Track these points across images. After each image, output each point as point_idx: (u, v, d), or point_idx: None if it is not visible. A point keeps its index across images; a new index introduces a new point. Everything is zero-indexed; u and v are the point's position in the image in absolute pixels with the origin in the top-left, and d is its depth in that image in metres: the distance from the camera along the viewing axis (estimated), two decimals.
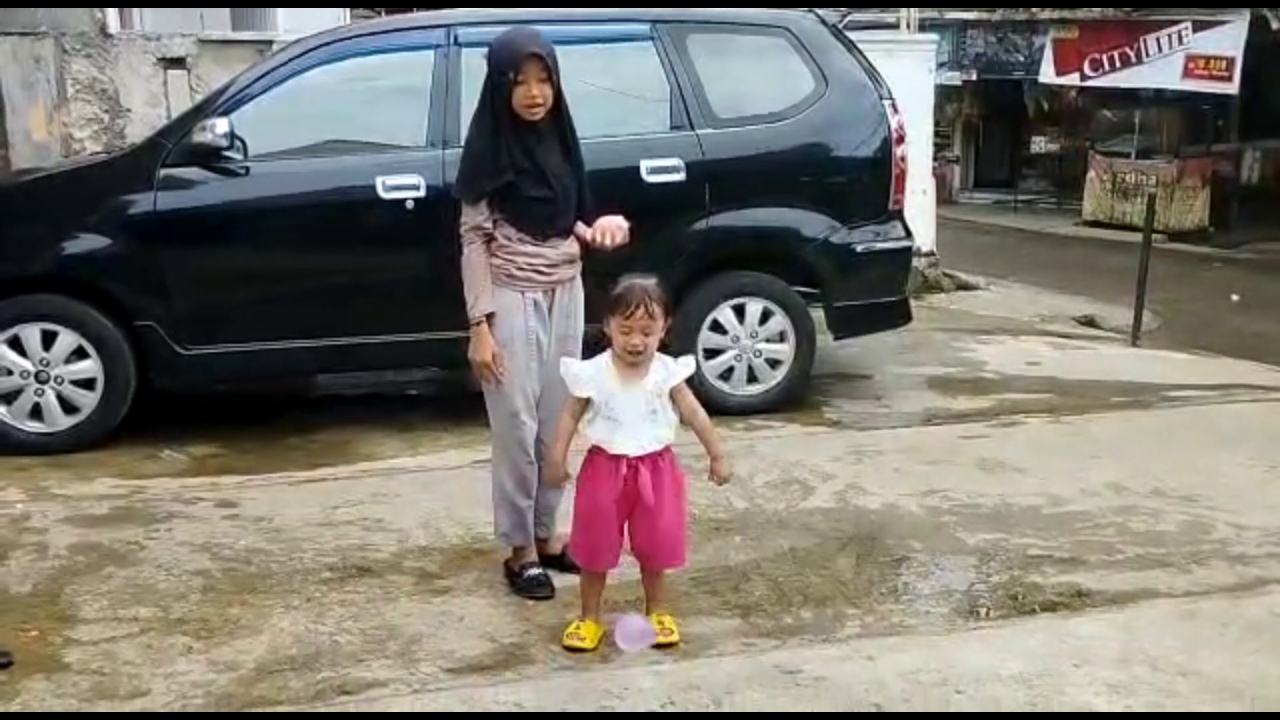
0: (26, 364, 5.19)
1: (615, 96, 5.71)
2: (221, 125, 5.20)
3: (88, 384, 5.26)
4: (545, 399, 3.86)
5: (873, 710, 3.08)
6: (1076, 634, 3.53)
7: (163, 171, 5.28)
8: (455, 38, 5.58)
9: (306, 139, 5.53)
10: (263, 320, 5.39)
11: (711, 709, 3.07)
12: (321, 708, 3.09)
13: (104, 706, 3.11)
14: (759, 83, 5.95)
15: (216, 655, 3.36)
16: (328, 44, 5.60)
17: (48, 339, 5.20)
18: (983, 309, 9.64)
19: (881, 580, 3.94)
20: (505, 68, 3.65)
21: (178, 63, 8.44)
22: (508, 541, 3.91)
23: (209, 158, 5.29)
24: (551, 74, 3.68)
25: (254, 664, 3.31)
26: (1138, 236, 12.99)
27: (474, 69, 5.40)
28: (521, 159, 3.71)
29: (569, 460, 3.50)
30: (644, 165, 5.63)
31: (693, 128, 5.74)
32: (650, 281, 3.40)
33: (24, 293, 5.21)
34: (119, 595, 3.75)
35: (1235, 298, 11.58)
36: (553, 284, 3.80)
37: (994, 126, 18.07)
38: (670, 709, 3.07)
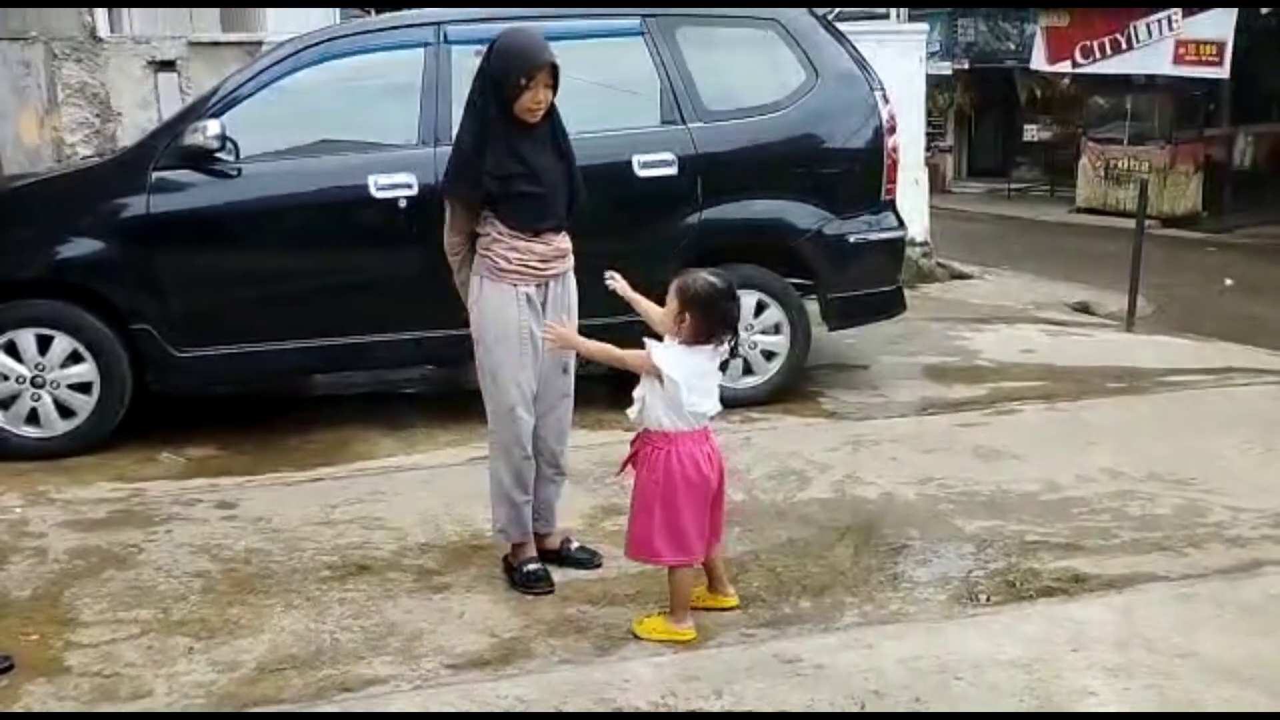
0: (22, 369, 5.19)
1: (606, 92, 5.70)
2: (213, 127, 5.21)
3: (84, 388, 5.26)
4: (541, 394, 3.87)
5: (873, 693, 3.09)
6: (1074, 618, 3.54)
7: (155, 174, 5.29)
8: (445, 35, 5.59)
9: (298, 139, 5.53)
10: (258, 321, 5.40)
11: (711, 699, 3.08)
12: (323, 706, 3.10)
13: (106, 708, 3.12)
14: (749, 75, 5.97)
15: (217, 655, 3.37)
16: (318, 44, 5.60)
17: (43, 343, 5.21)
18: (977, 297, 9.65)
19: (880, 569, 3.96)
20: (516, 72, 3.66)
21: (168, 65, 8.44)
22: (506, 538, 3.92)
23: (201, 160, 5.30)
24: (557, 81, 3.71)
25: (255, 663, 3.32)
26: (1131, 223, 12.99)
27: (464, 66, 5.47)
28: (511, 162, 3.73)
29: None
30: (636, 160, 5.64)
31: (684, 121, 5.75)
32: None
33: (18, 298, 5.22)
34: (119, 598, 3.76)
35: (1229, 282, 11.59)
36: (545, 278, 3.81)
37: (986, 115, 18.09)
38: (671, 700, 3.08)
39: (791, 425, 5.63)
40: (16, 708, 3.12)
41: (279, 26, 11.31)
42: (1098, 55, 14.80)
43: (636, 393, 3.45)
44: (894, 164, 6.09)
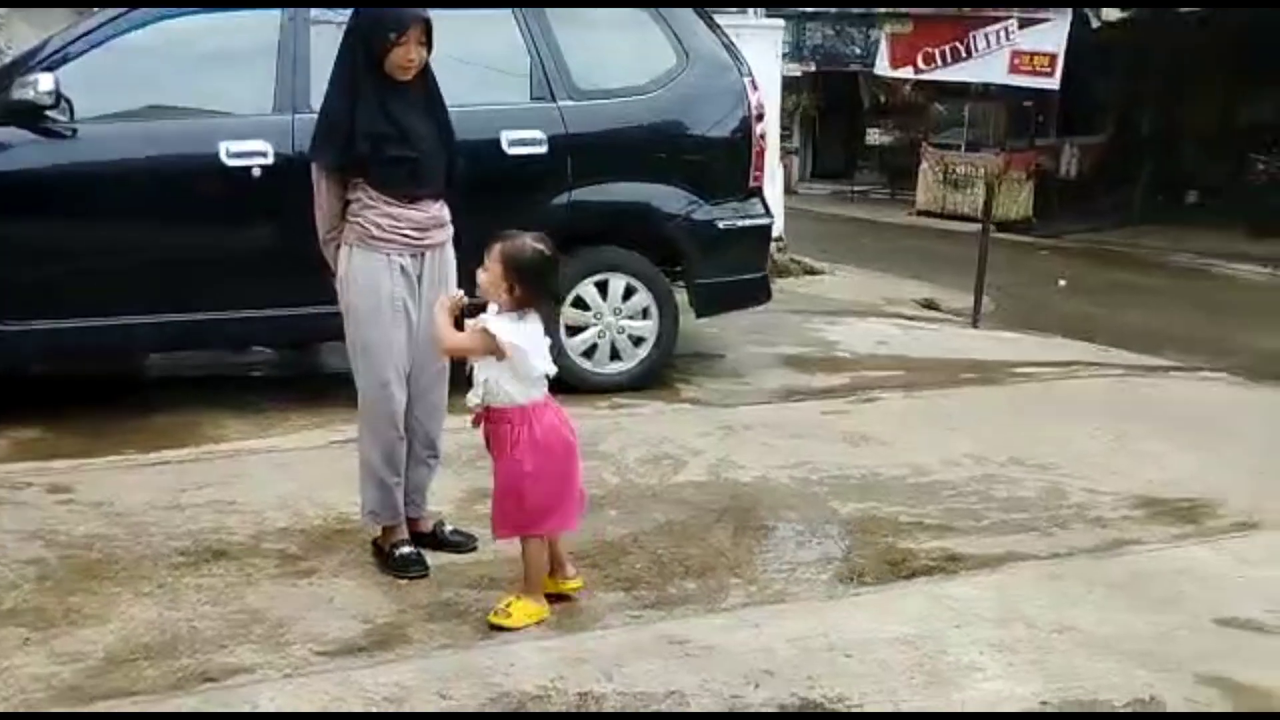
0: None
1: (475, 66, 5.51)
2: (45, 81, 4.81)
3: None
4: (416, 373, 3.69)
5: (765, 673, 3.03)
6: (953, 596, 3.57)
7: None
8: None
9: (141, 100, 5.19)
10: (93, 294, 5.02)
11: (602, 681, 2.97)
12: (183, 698, 2.85)
13: None
14: (621, 56, 5.88)
15: (59, 646, 3.08)
16: None
17: None
18: (830, 292, 9.81)
19: (760, 550, 3.92)
20: (388, 28, 3.51)
21: None
22: (375, 520, 3.72)
23: (31, 116, 4.90)
24: (430, 37, 3.56)
25: (103, 654, 3.04)
26: (968, 226, 13.43)
27: (325, 31, 5.22)
28: (381, 122, 3.56)
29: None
30: (505, 137, 5.48)
31: (554, 99, 5.62)
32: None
33: None
34: None
35: (1062, 283, 12.11)
36: (421, 248, 3.64)
37: (831, 119, 18.48)
38: (561, 683, 2.95)
39: (660, 411, 5.56)
40: None
41: None
42: (939, 63, 15.29)
43: (476, 375, 3.32)
44: (761, 151, 6.09)
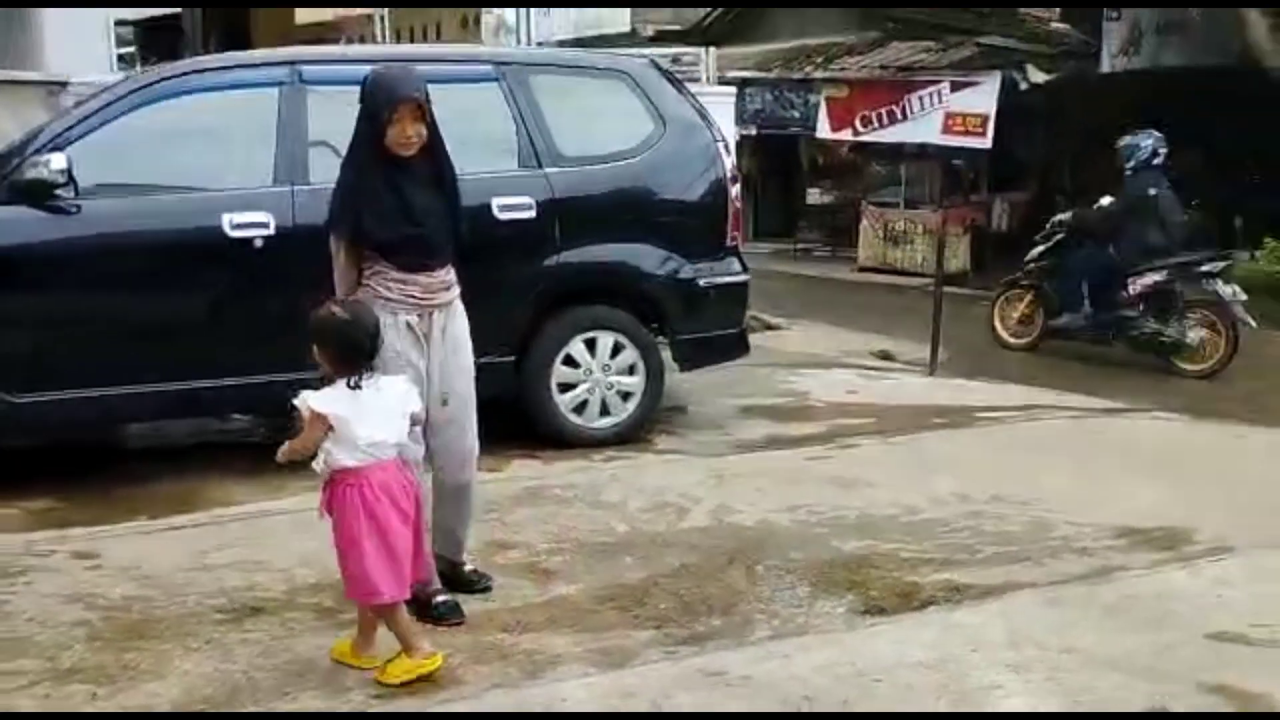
0: None
1: (464, 137, 5.71)
2: (58, 160, 4.95)
3: None
4: (439, 425, 3.86)
5: (804, 699, 3.22)
6: (964, 623, 3.79)
7: None
8: (300, 75, 5.51)
9: (144, 176, 5.32)
10: (105, 365, 5.12)
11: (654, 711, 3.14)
12: None
13: None
14: (602, 124, 6.13)
15: (125, 700, 3.19)
16: (167, 78, 5.43)
17: None
18: (790, 346, 10.07)
19: (776, 587, 4.11)
20: (380, 108, 3.72)
21: None
22: None
23: (40, 195, 5.02)
24: (425, 113, 3.76)
25: (169, 705, 3.16)
26: (910, 280, 13.80)
27: (320, 107, 5.44)
28: (388, 196, 3.77)
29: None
30: (495, 203, 5.69)
31: (540, 166, 5.85)
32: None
33: None
34: None
35: None
36: (428, 307, 3.84)
37: (771, 180, 18.94)
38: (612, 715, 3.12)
39: (653, 462, 5.76)
40: None
41: (62, 64, 10.83)
42: (876, 125, 15.79)
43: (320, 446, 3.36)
44: (737, 212, 6.37)
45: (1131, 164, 9.49)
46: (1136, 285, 9.32)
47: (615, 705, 3.18)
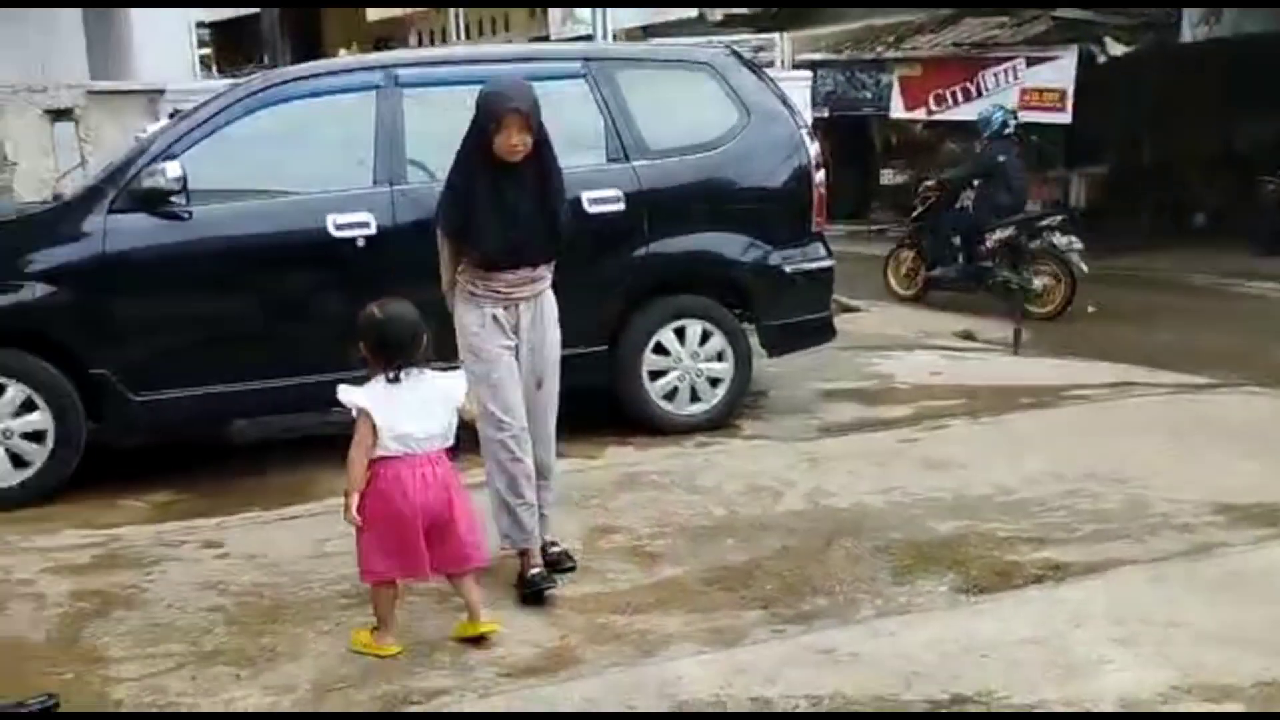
0: None
1: (554, 132, 5.84)
2: (174, 169, 5.17)
3: (37, 436, 5.12)
4: (531, 413, 4.05)
5: (913, 674, 3.31)
6: (1066, 599, 3.85)
7: (109, 217, 5.22)
8: (396, 78, 5.69)
9: (251, 181, 5.54)
10: (217, 363, 5.36)
11: (767, 687, 3.25)
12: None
13: None
14: (687, 115, 6.22)
15: (267, 680, 3.38)
16: (269, 87, 5.63)
17: None
18: (870, 328, 10.08)
19: (876, 568, 4.20)
20: (489, 119, 3.94)
21: (64, 114, 8.27)
22: (510, 544, 4.07)
23: (157, 202, 5.25)
24: (530, 123, 3.94)
25: (310, 684, 3.34)
26: None
27: (415, 109, 5.62)
28: (491, 198, 3.96)
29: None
30: (585, 197, 5.81)
31: (628, 159, 5.97)
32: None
33: None
34: (140, 635, 3.71)
35: (1091, 308, 12.39)
36: (512, 300, 4.05)
37: (845, 161, 18.87)
38: (730, 690, 3.24)
39: (744, 447, 5.86)
40: None
41: (154, 72, 11.18)
42: (950, 103, 15.69)
43: None
44: (821, 198, 6.42)
45: (986, 134, 11.15)
46: (991, 240, 10.69)
47: (731, 680, 3.30)
